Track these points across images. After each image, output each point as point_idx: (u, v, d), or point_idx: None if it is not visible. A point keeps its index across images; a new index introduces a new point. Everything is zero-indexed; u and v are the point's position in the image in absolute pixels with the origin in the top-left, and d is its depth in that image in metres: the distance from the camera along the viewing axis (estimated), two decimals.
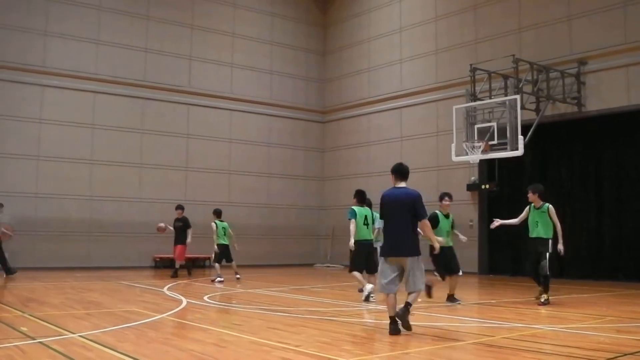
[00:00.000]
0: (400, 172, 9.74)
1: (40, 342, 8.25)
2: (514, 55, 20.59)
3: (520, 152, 18.99)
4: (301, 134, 31.43)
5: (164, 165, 27.10)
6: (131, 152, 26.44)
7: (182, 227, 21.45)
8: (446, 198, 14.15)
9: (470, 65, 21.36)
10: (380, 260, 9.77)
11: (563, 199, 22.75)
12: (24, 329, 9.31)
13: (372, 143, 29.40)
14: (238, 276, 19.48)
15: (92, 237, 25.16)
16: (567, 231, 22.29)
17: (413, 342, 8.91)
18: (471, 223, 24.24)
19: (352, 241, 14.05)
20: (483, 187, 23.94)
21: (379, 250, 14.85)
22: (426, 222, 9.53)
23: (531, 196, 13.99)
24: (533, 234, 13.80)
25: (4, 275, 19.89)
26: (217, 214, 20.15)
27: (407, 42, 28.19)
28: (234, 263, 19.76)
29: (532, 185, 14.29)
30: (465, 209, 24.45)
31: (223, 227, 19.88)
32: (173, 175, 27.30)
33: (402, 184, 9.70)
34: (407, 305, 9.39)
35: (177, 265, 21.30)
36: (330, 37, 32.40)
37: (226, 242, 19.79)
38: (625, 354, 7.77)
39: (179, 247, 21.33)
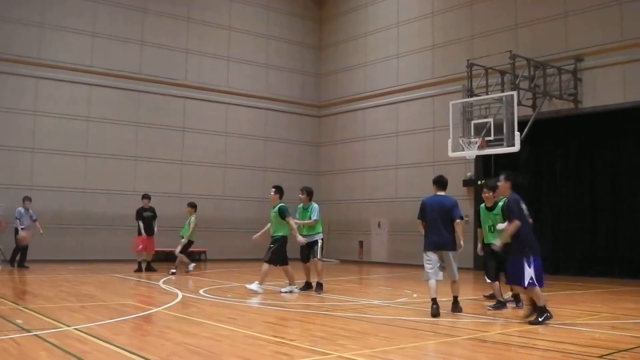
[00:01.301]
0: (441, 182, 11.78)
1: (35, 334, 8.23)
2: (511, 51, 20.59)
3: (516, 148, 18.99)
4: (297, 128, 31.41)
5: (159, 159, 27.07)
6: (126, 145, 26.40)
7: (152, 217, 20.88)
8: (484, 190, 12.57)
9: (467, 61, 21.36)
10: (425, 254, 11.22)
11: (558, 195, 22.82)
12: (19, 321, 9.29)
13: (367, 138, 29.39)
14: (173, 270, 19.18)
15: (87, 229, 25.12)
16: (562, 227, 22.46)
17: (408, 337, 8.92)
18: (467, 218, 24.20)
19: (300, 237, 14.46)
20: (479, 182, 23.96)
21: (320, 242, 14.80)
22: (458, 222, 11.24)
23: (488, 195, 12.32)
24: (488, 239, 12.11)
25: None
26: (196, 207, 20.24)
27: (403, 37, 28.18)
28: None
29: (488, 182, 12.90)
30: (461, 205, 24.32)
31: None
32: (168, 168, 27.28)
33: (442, 193, 11.66)
34: (455, 298, 11.36)
35: (149, 258, 20.77)
36: (326, 31, 32.37)
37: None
38: (620, 350, 7.79)
39: (152, 239, 20.83)
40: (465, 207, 24.32)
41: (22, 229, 21.00)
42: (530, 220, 10.30)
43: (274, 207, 14.62)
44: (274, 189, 14.91)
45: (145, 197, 21.30)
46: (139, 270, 20.23)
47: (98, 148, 25.74)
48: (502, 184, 10.68)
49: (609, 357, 7.43)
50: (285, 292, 14.36)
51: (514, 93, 19.52)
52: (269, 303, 12.47)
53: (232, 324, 9.65)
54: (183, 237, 19.68)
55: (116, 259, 24.60)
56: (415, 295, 14.19)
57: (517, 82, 20.24)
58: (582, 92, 21.60)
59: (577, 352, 7.71)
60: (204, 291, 14.26)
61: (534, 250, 10.23)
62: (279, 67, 31.12)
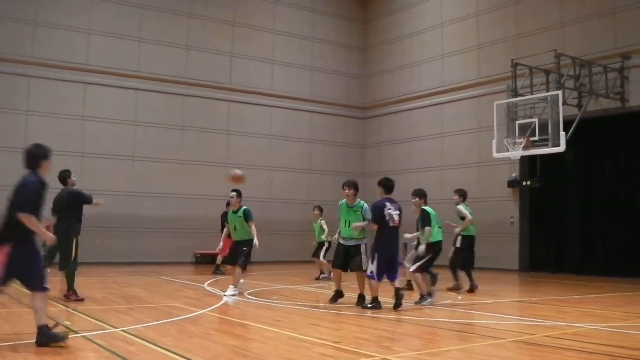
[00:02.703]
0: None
1: (83, 336, 8.36)
2: (555, 50, 20.37)
3: (562, 148, 18.78)
4: (341, 130, 31.41)
5: (204, 161, 27.27)
6: (172, 148, 26.67)
7: None
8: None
9: (512, 60, 21.19)
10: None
11: (606, 195, 22.49)
12: (67, 323, 9.45)
13: (413, 139, 29.26)
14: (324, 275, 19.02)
15: (134, 232, 25.42)
16: (611, 226, 22.09)
17: (453, 340, 8.89)
18: (512, 220, 24.07)
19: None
20: (524, 183, 23.75)
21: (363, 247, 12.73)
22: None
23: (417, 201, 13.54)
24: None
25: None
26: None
27: (448, 37, 28.02)
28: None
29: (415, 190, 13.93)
30: (506, 206, 24.32)
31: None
32: (213, 171, 27.43)
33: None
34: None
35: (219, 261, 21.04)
36: (370, 32, 32.33)
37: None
38: None
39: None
40: (511, 208, 24.22)
41: None
42: (391, 224, 11.77)
43: (237, 212, 14.35)
44: (234, 193, 14.63)
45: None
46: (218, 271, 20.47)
47: (144, 152, 26.05)
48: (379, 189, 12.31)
49: None
50: (232, 294, 13.75)
51: (559, 92, 19.30)
52: (314, 305, 12.49)
53: (277, 326, 9.70)
54: (322, 243, 19.47)
55: (162, 261, 24.88)
56: (459, 297, 14.11)
57: (562, 81, 20.01)
58: (629, 90, 21.27)
59: (625, 355, 7.61)
60: (248, 293, 14.33)
61: (381, 250, 11.63)
62: (324, 69, 31.16)
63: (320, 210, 19.97)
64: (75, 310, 10.97)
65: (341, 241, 12.72)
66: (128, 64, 26.01)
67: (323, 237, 19.39)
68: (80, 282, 16.72)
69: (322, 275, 19.07)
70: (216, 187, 27.04)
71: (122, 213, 25.20)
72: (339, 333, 9.19)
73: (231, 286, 13.98)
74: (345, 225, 12.53)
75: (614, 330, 9.60)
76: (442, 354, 7.76)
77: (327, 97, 31.01)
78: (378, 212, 11.80)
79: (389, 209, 11.81)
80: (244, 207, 14.41)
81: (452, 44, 27.78)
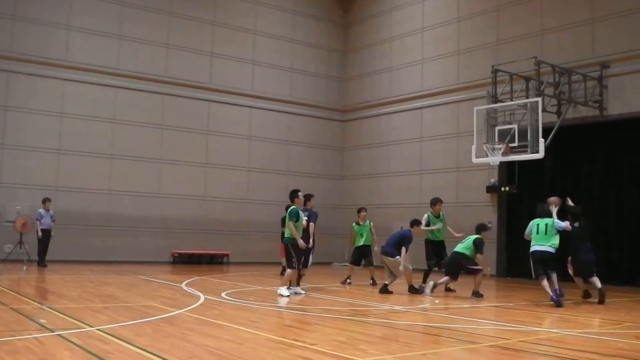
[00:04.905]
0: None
1: (58, 334, 8.29)
2: (536, 57, 20.48)
3: (540, 154, 18.86)
4: (321, 132, 31.41)
5: (183, 161, 27.18)
6: (151, 147, 26.55)
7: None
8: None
9: (492, 66, 21.25)
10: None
11: (583, 203, 22.60)
12: (42, 321, 9.37)
13: (392, 143, 29.32)
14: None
15: (111, 231, 25.28)
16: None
17: (429, 344, 8.90)
18: (490, 225, 24.13)
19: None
20: (503, 189, 23.84)
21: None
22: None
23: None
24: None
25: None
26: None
27: (429, 42, 28.10)
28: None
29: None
30: (484, 211, 24.39)
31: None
32: (192, 171, 27.38)
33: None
34: None
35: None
36: (351, 35, 32.36)
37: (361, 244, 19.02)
38: None
39: None
40: (489, 214, 24.28)
41: (41, 229, 21.43)
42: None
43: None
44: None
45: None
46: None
47: (123, 150, 25.92)
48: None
49: None
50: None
51: (539, 99, 19.38)
52: (291, 307, 12.47)
53: (254, 327, 9.67)
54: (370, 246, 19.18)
55: (139, 260, 24.78)
56: (437, 301, 14.13)
57: (542, 89, 20.11)
58: (607, 99, 21.43)
59: None
60: (226, 294, 14.28)
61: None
62: (304, 71, 31.15)
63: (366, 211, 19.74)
64: (50, 308, 10.88)
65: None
66: (108, 61, 25.87)
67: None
68: (55, 280, 16.66)
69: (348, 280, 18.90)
70: (195, 187, 27.02)
71: (99, 211, 25.09)
72: (315, 335, 9.16)
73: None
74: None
75: (589, 336, 9.64)
76: (418, 357, 7.75)
77: (306, 99, 31.00)
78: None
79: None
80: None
81: (433, 49, 27.86)
